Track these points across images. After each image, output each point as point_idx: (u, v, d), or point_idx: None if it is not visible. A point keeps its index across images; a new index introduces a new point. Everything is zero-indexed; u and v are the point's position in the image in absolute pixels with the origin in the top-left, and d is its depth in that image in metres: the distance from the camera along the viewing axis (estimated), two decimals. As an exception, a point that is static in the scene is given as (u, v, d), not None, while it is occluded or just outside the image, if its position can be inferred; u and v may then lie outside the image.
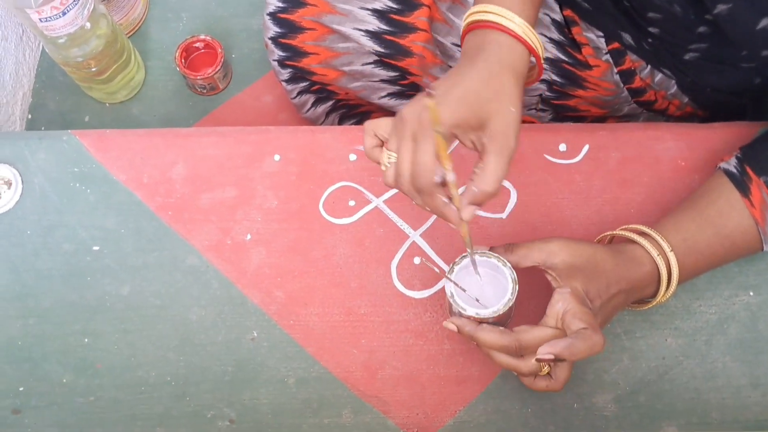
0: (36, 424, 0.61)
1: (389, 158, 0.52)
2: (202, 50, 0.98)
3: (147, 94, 1.00)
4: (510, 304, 0.53)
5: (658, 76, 0.71)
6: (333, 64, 0.74)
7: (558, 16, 0.71)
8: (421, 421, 0.60)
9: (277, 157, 0.68)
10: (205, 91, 0.99)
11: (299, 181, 0.68)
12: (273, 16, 0.75)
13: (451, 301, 0.54)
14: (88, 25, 0.82)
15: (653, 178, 0.67)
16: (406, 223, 0.66)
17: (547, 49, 0.71)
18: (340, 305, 0.63)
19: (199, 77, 0.95)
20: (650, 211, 0.66)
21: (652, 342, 0.62)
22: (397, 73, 0.74)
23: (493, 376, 0.61)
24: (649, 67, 0.71)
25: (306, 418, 0.60)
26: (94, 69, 0.89)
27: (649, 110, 0.76)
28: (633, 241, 0.57)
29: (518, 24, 0.52)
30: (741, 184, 0.57)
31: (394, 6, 0.70)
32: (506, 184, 0.67)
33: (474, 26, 0.54)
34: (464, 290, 0.55)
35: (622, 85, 0.72)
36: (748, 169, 0.57)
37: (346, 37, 0.71)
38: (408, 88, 0.76)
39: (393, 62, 0.72)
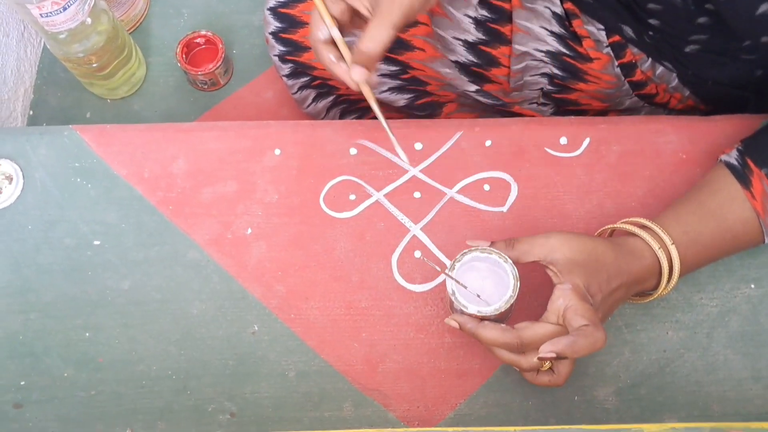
0: (37, 418, 0.61)
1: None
2: (203, 46, 0.98)
3: (148, 90, 1.00)
4: (512, 301, 0.53)
5: (659, 69, 0.71)
6: (333, 59, 0.74)
7: (559, 9, 0.71)
8: (422, 414, 0.60)
9: (277, 152, 0.68)
10: (206, 86, 0.99)
11: (300, 176, 0.68)
12: (273, 11, 0.75)
13: (452, 298, 0.54)
14: (89, 20, 0.82)
15: (654, 171, 0.67)
16: (406, 216, 0.66)
17: (547, 42, 0.71)
18: (341, 299, 0.63)
19: (200, 73, 0.95)
20: (651, 204, 0.65)
21: (653, 335, 0.62)
22: (397, 68, 0.74)
23: (494, 369, 0.61)
24: (650, 60, 0.71)
25: (307, 411, 0.61)
26: (95, 65, 0.89)
27: (651, 104, 0.76)
28: (634, 234, 0.56)
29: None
30: (742, 176, 0.57)
31: (394, -1, 0.70)
32: (507, 177, 0.67)
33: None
34: (465, 287, 0.55)
35: (623, 78, 0.72)
36: (750, 161, 0.57)
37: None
38: (409, 82, 0.75)
39: (393, 56, 0.72)
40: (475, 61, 0.73)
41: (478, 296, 0.55)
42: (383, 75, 0.75)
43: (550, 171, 0.67)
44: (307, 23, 0.72)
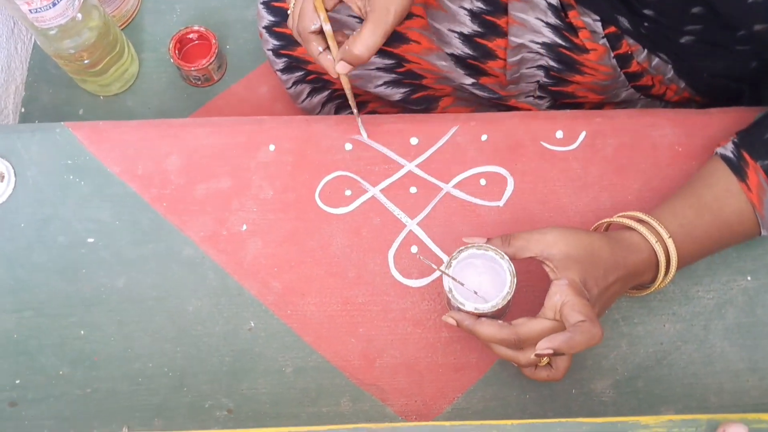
0: (33, 416, 0.61)
1: (293, 5, 0.61)
2: (196, 41, 0.97)
3: (141, 86, 0.99)
4: (509, 298, 0.53)
5: (655, 61, 0.71)
6: (327, 53, 0.73)
7: (554, 0, 0.70)
8: (420, 409, 0.60)
9: (272, 147, 0.68)
10: (199, 82, 0.98)
11: (295, 171, 0.67)
12: (267, 4, 0.75)
13: (449, 295, 0.54)
14: (79, 16, 0.81)
15: (650, 164, 0.67)
16: (402, 212, 0.66)
17: (543, 34, 0.70)
18: (338, 294, 0.63)
19: (193, 68, 0.94)
20: (647, 197, 0.65)
21: (650, 328, 0.62)
22: (393, 61, 0.73)
23: (491, 363, 0.61)
24: (645, 51, 0.70)
25: (304, 407, 0.60)
26: (86, 61, 0.88)
27: (647, 95, 0.76)
28: (630, 228, 0.56)
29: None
30: (738, 168, 0.57)
31: (389, -8, 0.70)
32: (503, 171, 0.67)
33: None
34: (462, 284, 0.55)
35: (619, 69, 0.72)
36: (745, 154, 0.57)
37: (341, 25, 0.70)
38: (404, 76, 0.75)
39: (389, 49, 0.72)
40: (471, 53, 0.72)
41: (475, 293, 0.55)
42: (379, 69, 0.74)
43: (546, 165, 0.67)
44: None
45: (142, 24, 1.02)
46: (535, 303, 0.60)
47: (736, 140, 0.58)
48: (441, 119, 0.69)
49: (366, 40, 0.56)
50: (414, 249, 0.64)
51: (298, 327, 0.62)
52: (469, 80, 0.74)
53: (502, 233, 0.56)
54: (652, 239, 0.55)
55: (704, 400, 0.60)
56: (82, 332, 0.63)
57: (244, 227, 0.65)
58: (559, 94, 0.76)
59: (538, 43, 0.71)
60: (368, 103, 0.83)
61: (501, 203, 0.66)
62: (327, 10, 0.58)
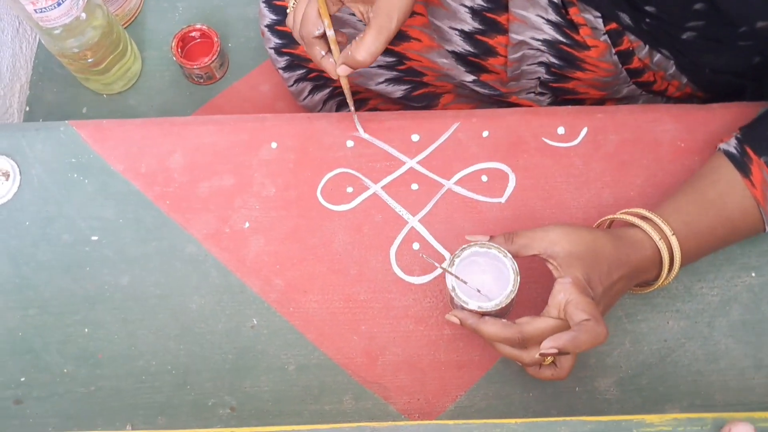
0: (38, 414, 0.61)
1: (292, 5, 0.62)
2: (199, 40, 0.97)
3: (144, 84, 1.00)
4: (512, 296, 0.53)
5: (657, 57, 0.71)
6: (329, 50, 0.73)
7: (555, -2, 0.70)
8: (422, 407, 0.60)
9: (274, 145, 0.68)
10: (202, 80, 0.98)
11: (297, 169, 0.67)
12: (268, 3, 0.75)
13: (452, 294, 0.54)
14: (83, 15, 0.82)
15: (652, 160, 0.66)
16: (404, 208, 0.66)
17: (544, 31, 0.70)
18: (340, 292, 0.63)
19: (195, 67, 0.94)
20: (650, 193, 0.65)
21: (653, 325, 0.62)
22: (393, 59, 0.73)
23: (494, 360, 0.61)
24: (647, 47, 0.70)
25: (307, 404, 0.61)
26: (90, 60, 0.89)
27: (649, 91, 0.75)
28: (634, 225, 0.56)
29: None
30: (741, 164, 0.56)
31: (389, -10, 0.70)
32: (504, 167, 0.67)
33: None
34: (465, 282, 0.54)
35: (620, 65, 0.71)
36: (749, 150, 0.56)
37: (342, 23, 0.70)
38: (405, 73, 0.75)
39: (390, 47, 0.71)
40: (472, 50, 0.72)
41: (479, 291, 0.55)
42: (380, 66, 0.74)
43: (548, 161, 0.67)
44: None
45: (145, 22, 1.02)
46: (537, 300, 0.60)
47: (739, 136, 0.58)
48: (442, 116, 0.69)
49: (369, 46, 0.56)
50: (416, 246, 0.64)
51: (301, 324, 0.62)
52: (469, 77, 0.74)
53: (503, 229, 0.56)
54: (656, 236, 0.55)
55: (709, 397, 0.60)
56: (87, 330, 0.63)
57: (247, 225, 0.66)
58: (560, 91, 0.76)
59: (539, 40, 0.70)
60: (369, 101, 0.83)
61: (503, 200, 0.66)
62: (330, 15, 0.59)
